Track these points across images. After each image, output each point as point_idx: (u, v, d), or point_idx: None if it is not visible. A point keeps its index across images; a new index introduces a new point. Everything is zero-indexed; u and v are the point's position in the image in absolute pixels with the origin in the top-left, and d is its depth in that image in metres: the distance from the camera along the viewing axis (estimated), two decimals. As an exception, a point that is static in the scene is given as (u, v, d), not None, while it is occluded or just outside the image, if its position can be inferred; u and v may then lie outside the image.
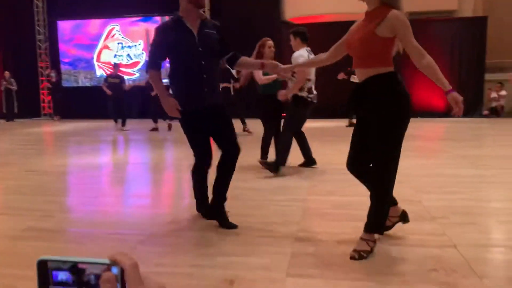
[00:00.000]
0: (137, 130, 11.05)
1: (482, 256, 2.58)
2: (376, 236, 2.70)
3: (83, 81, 16.00)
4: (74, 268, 0.55)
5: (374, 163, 2.61)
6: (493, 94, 13.53)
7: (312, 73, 5.09)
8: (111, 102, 11.19)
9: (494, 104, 13.52)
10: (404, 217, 2.92)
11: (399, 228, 2.95)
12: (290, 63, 5.12)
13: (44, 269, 0.56)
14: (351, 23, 2.81)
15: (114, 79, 11.15)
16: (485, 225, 3.15)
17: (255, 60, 3.39)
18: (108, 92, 10.92)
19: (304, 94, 5.00)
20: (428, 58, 2.48)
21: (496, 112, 13.38)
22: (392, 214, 2.87)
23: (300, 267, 2.45)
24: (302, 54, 4.89)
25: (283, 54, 9.31)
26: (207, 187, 3.36)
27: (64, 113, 15.48)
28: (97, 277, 0.55)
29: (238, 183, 4.26)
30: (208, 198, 3.37)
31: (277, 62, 3.17)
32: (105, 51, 15.66)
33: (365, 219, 2.66)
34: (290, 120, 5.10)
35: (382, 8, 2.51)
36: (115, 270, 0.54)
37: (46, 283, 0.56)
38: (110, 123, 12.29)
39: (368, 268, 2.43)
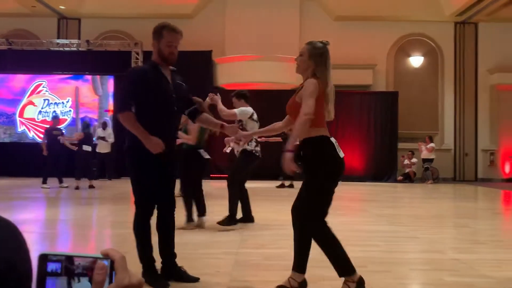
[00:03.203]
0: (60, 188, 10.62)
1: (396, 298, 2.86)
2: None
3: (1, 136, 15.21)
4: (66, 260, 0.70)
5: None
6: (406, 161, 14.77)
7: (254, 127, 5.20)
8: (52, 156, 10.40)
9: (407, 170, 14.72)
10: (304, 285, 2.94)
11: (326, 275, 3.18)
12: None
13: (43, 262, 0.68)
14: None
15: (56, 131, 10.73)
16: (399, 272, 3.49)
17: (216, 121, 3.37)
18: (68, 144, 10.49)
19: (251, 147, 5.20)
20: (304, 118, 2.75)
21: (408, 178, 14.55)
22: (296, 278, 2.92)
23: (233, 311, 2.57)
24: (247, 108, 5.14)
25: (216, 117, 9.63)
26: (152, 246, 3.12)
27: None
28: (85, 267, 0.70)
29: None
30: (155, 261, 3.12)
31: (237, 128, 3.27)
32: (29, 107, 15.15)
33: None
34: (236, 172, 5.24)
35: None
36: (106, 262, 0.68)
37: (42, 274, 0.68)
38: (32, 181, 11.69)
39: (297, 310, 2.60)
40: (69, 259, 0.68)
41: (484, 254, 4.20)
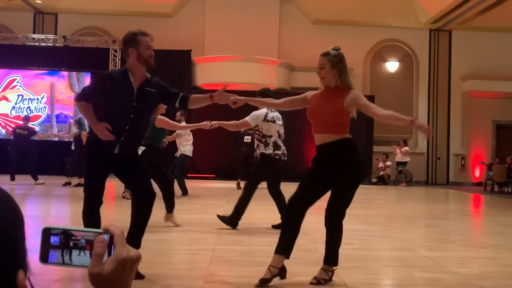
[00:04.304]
0: (48, 185, 10.43)
1: (368, 292, 2.96)
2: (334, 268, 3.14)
3: (-28, 132, 14.83)
4: (67, 234, 0.74)
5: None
6: (380, 164, 15.05)
7: (271, 128, 4.92)
8: (15, 155, 10.37)
9: (381, 172, 15.00)
10: (282, 272, 3.04)
11: (297, 271, 3.25)
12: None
13: (47, 235, 0.73)
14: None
15: (23, 131, 10.61)
16: (371, 269, 3.60)
17: (204, 95, 3.21)
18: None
19: (270, 151, 4.88)
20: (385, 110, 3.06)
21: (383, 180, 14.83)
22: (274, 264, 3.01)
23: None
24: (259, 112, 4.84)
25: (191, 117, 9.60)
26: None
27: None
28: (86, 241, 0.74)
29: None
30: None
31: (223, 92, 3.10)
32: (2, 103, 14.81)
33: (267, 264, 2.95)
34: (254, 175, 5.09)
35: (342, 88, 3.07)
36: (106, 236, 0.73)
37: (46, 246, 0.73)
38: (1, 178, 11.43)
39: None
40: (71, 233, 0.72)
41: (452, 252, 4.36)
